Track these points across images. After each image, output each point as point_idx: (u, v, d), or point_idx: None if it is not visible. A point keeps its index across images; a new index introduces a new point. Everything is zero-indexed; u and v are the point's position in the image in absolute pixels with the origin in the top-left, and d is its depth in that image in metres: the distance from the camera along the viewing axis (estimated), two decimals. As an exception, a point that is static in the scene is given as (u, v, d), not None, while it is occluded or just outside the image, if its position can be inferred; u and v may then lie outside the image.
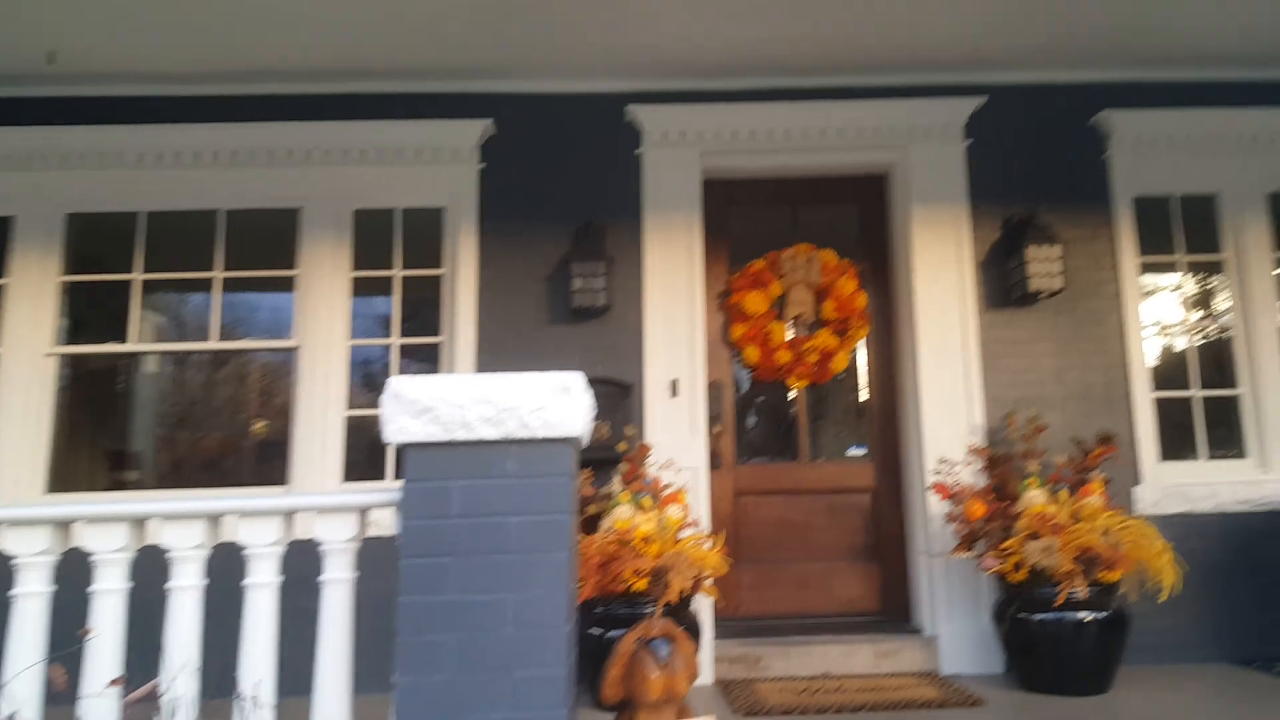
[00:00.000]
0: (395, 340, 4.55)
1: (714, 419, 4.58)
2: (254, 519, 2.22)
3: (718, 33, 4.12)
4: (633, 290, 4.43)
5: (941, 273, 4.42)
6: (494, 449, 2.16)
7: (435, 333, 4.52)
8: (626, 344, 4.41)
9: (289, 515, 2.26)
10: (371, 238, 4.58)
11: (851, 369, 4.71)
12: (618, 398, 4.32)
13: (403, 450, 2.15)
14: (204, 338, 4.62)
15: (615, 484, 3.99)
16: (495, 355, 4.38)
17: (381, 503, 2.22)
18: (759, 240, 4.73)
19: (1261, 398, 4.42)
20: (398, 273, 4.57)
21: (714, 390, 4.60)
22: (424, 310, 4.63)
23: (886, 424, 4.65)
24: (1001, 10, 4.00)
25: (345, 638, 2.21)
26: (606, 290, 4.27)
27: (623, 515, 3.88)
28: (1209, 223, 4.64)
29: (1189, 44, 4.29)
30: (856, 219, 4.77)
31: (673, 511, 3.97)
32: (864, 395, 4.72)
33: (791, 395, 4.72)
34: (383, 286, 4.59)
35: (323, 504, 2.23)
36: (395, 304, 4.58)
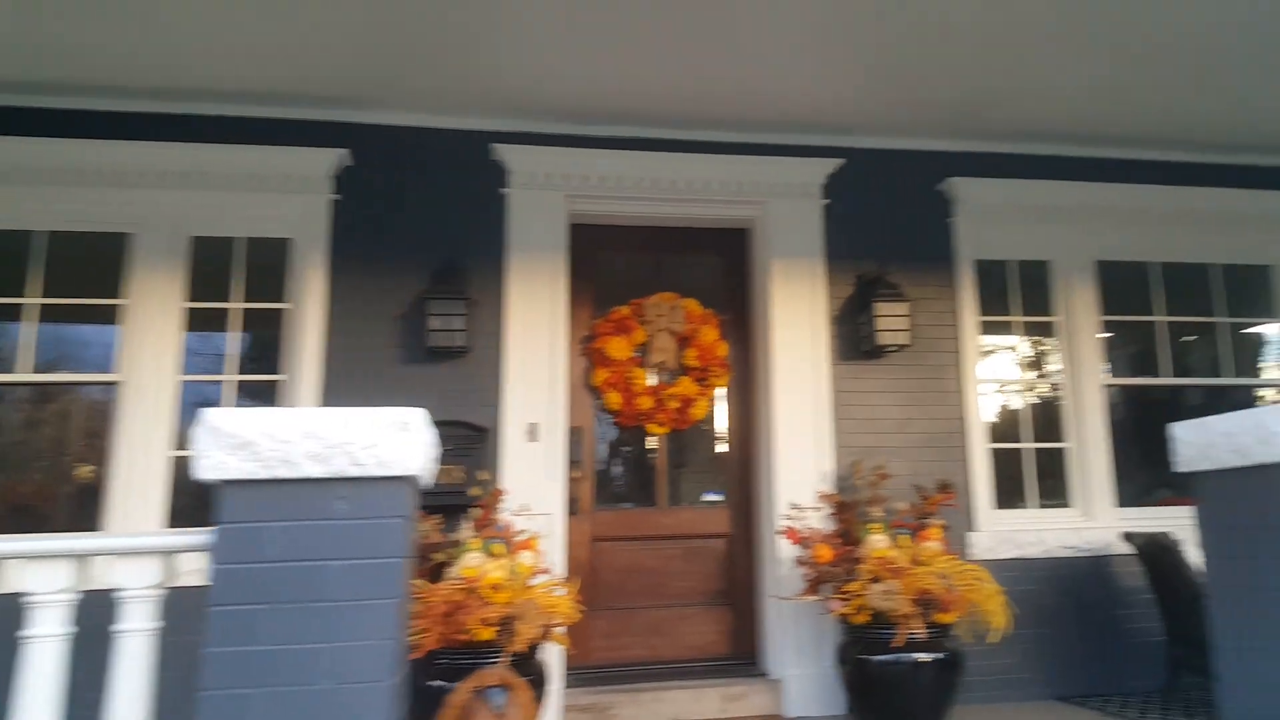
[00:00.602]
0: (232, 378, 4.29)
1: (574, 464, 4.52)
2: (40, 563, 2.00)
3: (584, 79, 4.16)
4: (493, 332, 4.34)
5: (798, 325, 4.55)
6: (320, 488, 2.03)
7: (278, 371, 4.29)
8: (485, 387, 4.31)
9: (83, 559, 2.04)
10: (212, 268, 4.33)
11: (711, 416, 4.76)
12: (473, 441, 4.20)
13: (217, 489, 1.99)
14: (20, 369, 4.22)
15: (465, 530, 3.85)
16: (342, 396, 4.19)
17: (190, 546, 2.04)
18: (624, 286, 4.76)
19: (1086, 452, 4.74)
20: (237, 305, 4.33)
21: (575, 435, 4.55)
22: (270, 348, 4.40)
23: (743, 470, 4.71)
24: (857, 79, 4.22)
25: (142, 696, 2.00)
26: (465, 331, 4.18)
27: (471, 562, 3.74)
28: (1043, 287, 4.98)
29: (1026, 121, 4.65)
30: (720, 270, 4.87)
31: (525, 558, 3.86)
32: (723, 442, 4.77)
33: (652, 442, 4.72)
34: (222, 321, 4.33)
35: (120, 546, 2.02)
36: (233, 339, 4.33)
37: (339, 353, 4.22)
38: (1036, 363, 5.11)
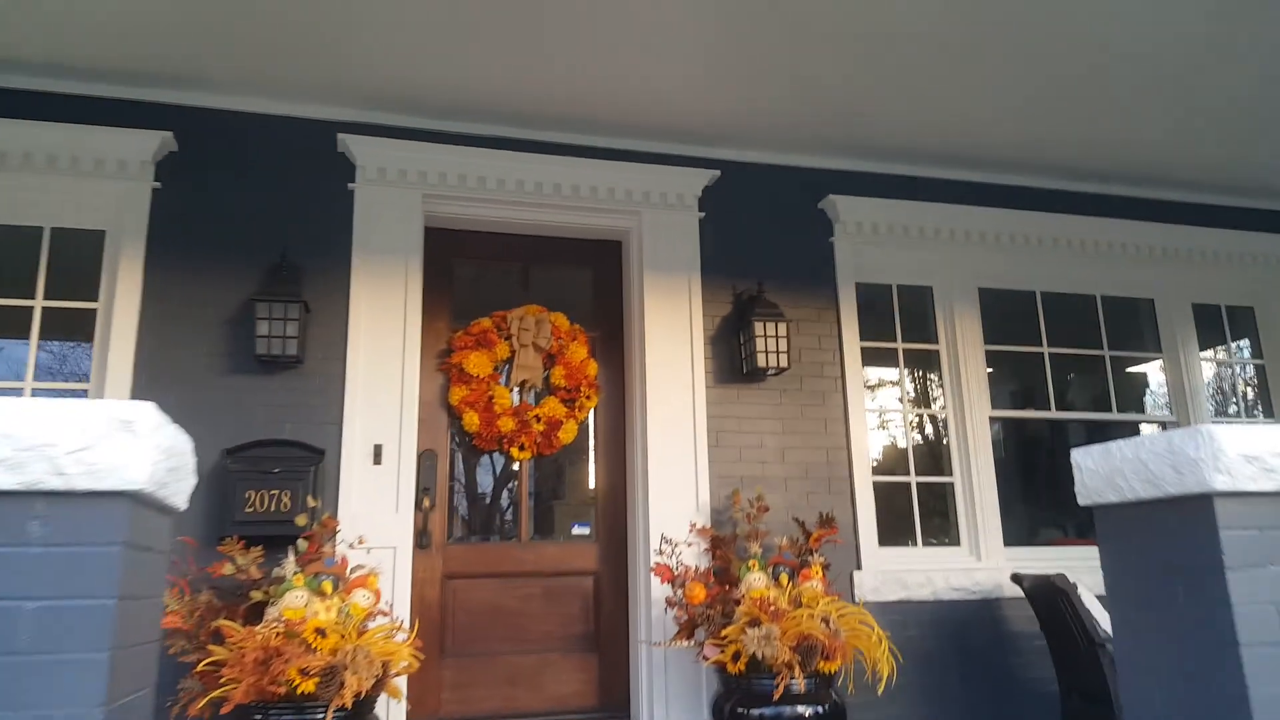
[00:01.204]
0: (27, 385, 3.69)
1: (424, 492, 4.06)
2: None
3: (446, 70, 3.80)
4: (335, 341, 3.88)
5: (673, 344, 4.25)
6: (10, 504, 1.56)
7: (87, 379, 3.72)
8: (324, 403, 3.83)
9: None
10: (12, 263, 3.74)
11: (581, 441, 4.38)
12: (308, 463, 3.70)
13: None
14: None
15: (288, 565, 3.35)
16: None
17: None
18: (486, 297, 4.37)
19: (973, 488, 4.55)
20: (38, 304, 3.75)
21: (426, 459, 4.10)
22: (80, 354, 3.82)
23: (613, 501, 4.34)
24: (736, 88, 4.00)
25: None
26: (299, 339, 3.70)
27: (294, 603, 3.24)
28: (926, 313, 4.83)
29: (908, 140, 4.51)
30: (591, 284, 4.53)
31: (360, 598, 3.38)
32: (592, 470, 4.40)
33: (514, 468, 4.31)
34: (24, 323, 3.75)
35: None
36: (33, 344, 3.74)
37: (155, 359, 3.68)
38: (921, 392, 4.95)
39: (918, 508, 4.57)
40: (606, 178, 4.27)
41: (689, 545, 3.99)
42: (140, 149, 3.75)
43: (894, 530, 4.53)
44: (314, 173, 3.99)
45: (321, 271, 3.92)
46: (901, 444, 4.70)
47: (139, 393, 3.64)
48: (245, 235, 3.87)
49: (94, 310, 3.76)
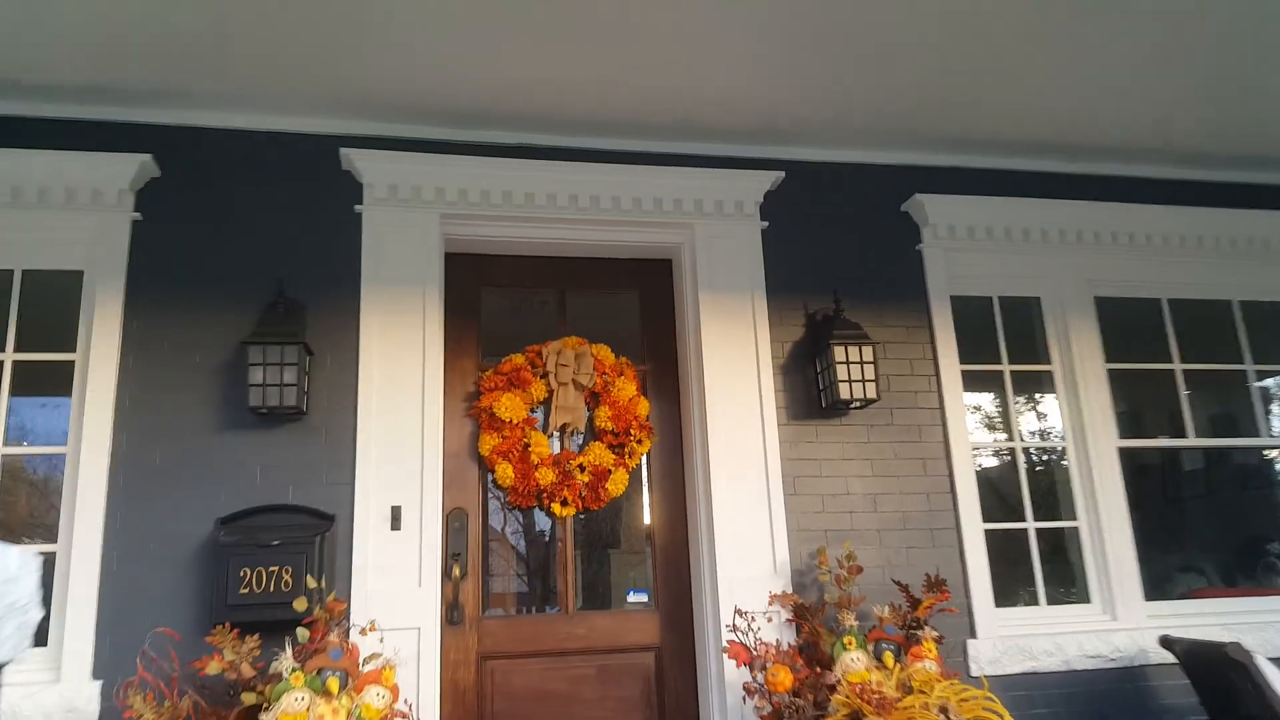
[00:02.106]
0: (-2, 450, 3.23)
1: (454, 558, 3.47)
2: None
3: (463, 71, 3.27)
4: (344, 388, 3.34)
5: (737, 376, 3.61)
6: None
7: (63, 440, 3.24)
8: (332, 459, 3.28)
9: None
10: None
11: (633, 492, 3.76)
12: (314, 532, 3.14)
13: None
14: None
15: (285, 661, 2.77)
16: (140, 471, 3.14)
17: None
18: (518, 330, 3.81)
19: (1103, 532, 3.79)
20: (8, 357, 3.29)
21: (454, 520, 3.51)
22: (60, 412, 3.35)
23: (674, 562, 3.69)
24: (802, 75, 3.39)
25: None
26: (298, 387, 3.16)
27: (293, 707, 2.69)
28: (1034, 329, 4.11)
29: (1008, 128, 3.84)
30: (637, 309, 3.92)
31: (373, 698, 2.80)
32: (648, 526, 3.76)
33: (557, 526, 3.70)
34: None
35: None
36: (2, 402, 3.27)
37: (137, 416, 3.19)
38: (1036, 421, 4.21)
39: (1038, 559, 3.83)
40: (653, 186, 3.67)
41: (768, 618, 3.33)
42: (116, 175, 3.28)
43: (1010, 586, 3.79)
44: (315, 195, 3.48)
45: (327, 308, 3.39)
46: (1015, 483, 3.96)
47: (120, 455, 3.14)
48: (238, 269, 3.36)
49: (72, 362, 3.28)
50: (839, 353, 3.46)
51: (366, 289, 3.42)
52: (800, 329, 3.71)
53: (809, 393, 3.65)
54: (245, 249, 3.39)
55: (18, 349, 3.31)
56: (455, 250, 3.70)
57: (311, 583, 2.88)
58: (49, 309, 3.36)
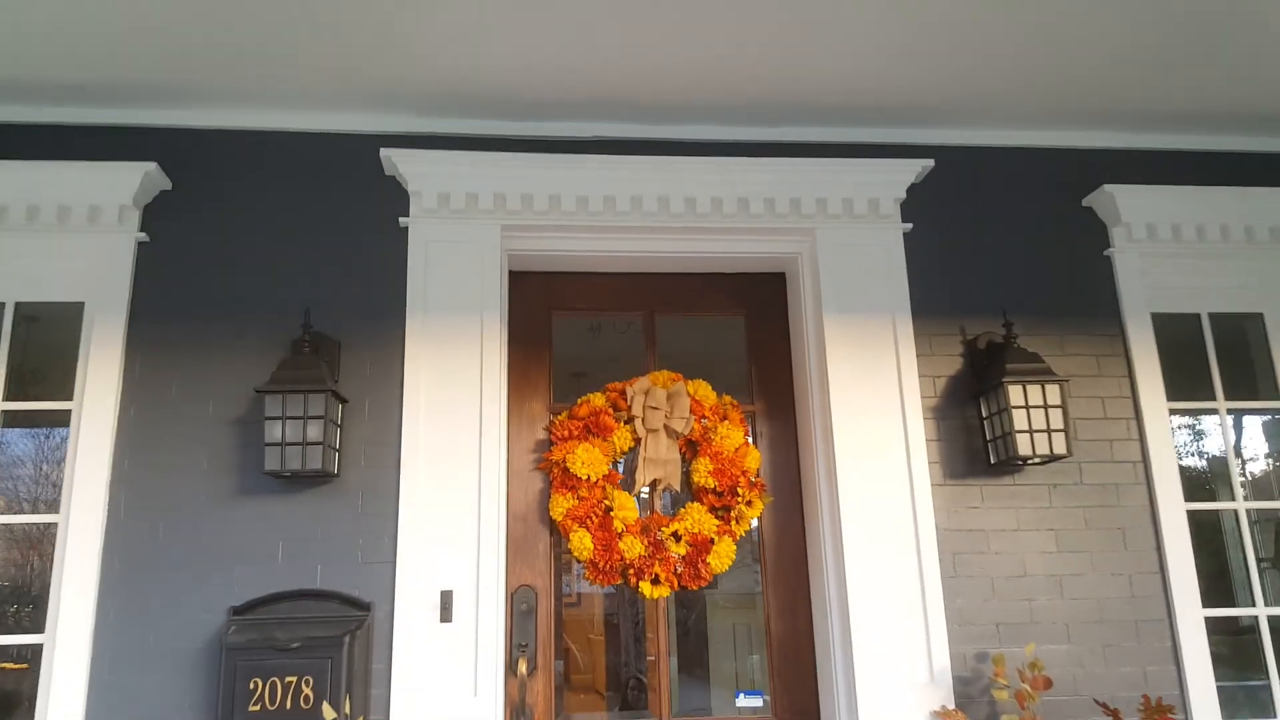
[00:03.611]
0: (-18, 517, 2.71)
1: (520, 649, 2.79)
2: None
3: (526, 52, 2.59)
4: (385, 442, 2.70)
5: (875, 421, 2.82)
6: None
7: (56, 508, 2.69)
8: (369, 532, 2.64)
9: None
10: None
11: (742, 565, 3.00)
12: (341, 629, 2.50)
13: None
14: None
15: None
16: (140, 548, 2.57)
17: None
18: (596, 364, 3.11)
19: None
20: (-4, 406, 2.77)
21: (520, 601, 2.84)
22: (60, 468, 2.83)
23: (795, 660, 2.92)
24: (948, 39, 2.59)
25: None
26: (324, 444, 2.53)
27: None
28: (1252, 353, 3.20)
29: (1223, 99, 2.95)
30: (743, 338, 3.17)
31: None
32: (760, 609, 3.00)
33: (649, 608, 2.98)
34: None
35: None
36: (-6, 457, 2.76)
37: (135, 475, 2.62)
38: (1260, 474, 3.28)
39: (1273, 659, 2.91)
40: (763, 182, 2.92)
41: (922, 737, 2.54)
42: (118, 189, 2.72)
43: (1232, 693, 2.89)
44: (350, 206, 2.86)
45: (364, 344, 2.76)
46: (1235, 557, 3.05)
47: (115, 527, 2.57)
48: (260, 298, 2.76)
49: (69, 412, 2.74)
50: (1014, 394, 2.64)
51: (412, 319, 2.77)
52: (957, 360, 2.90)
53: (970, 443, 2.83)
54: (268, 274, 2.78)
55: (8, 396, 2.78)
56: (520, 269, 3.03)
57: (329, 712, 2.22)
58: (48, 348, 2.84)
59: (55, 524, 2.64)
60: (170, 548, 2.58)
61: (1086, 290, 3.01)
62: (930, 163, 2.96)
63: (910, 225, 2.98)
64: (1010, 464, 2.73)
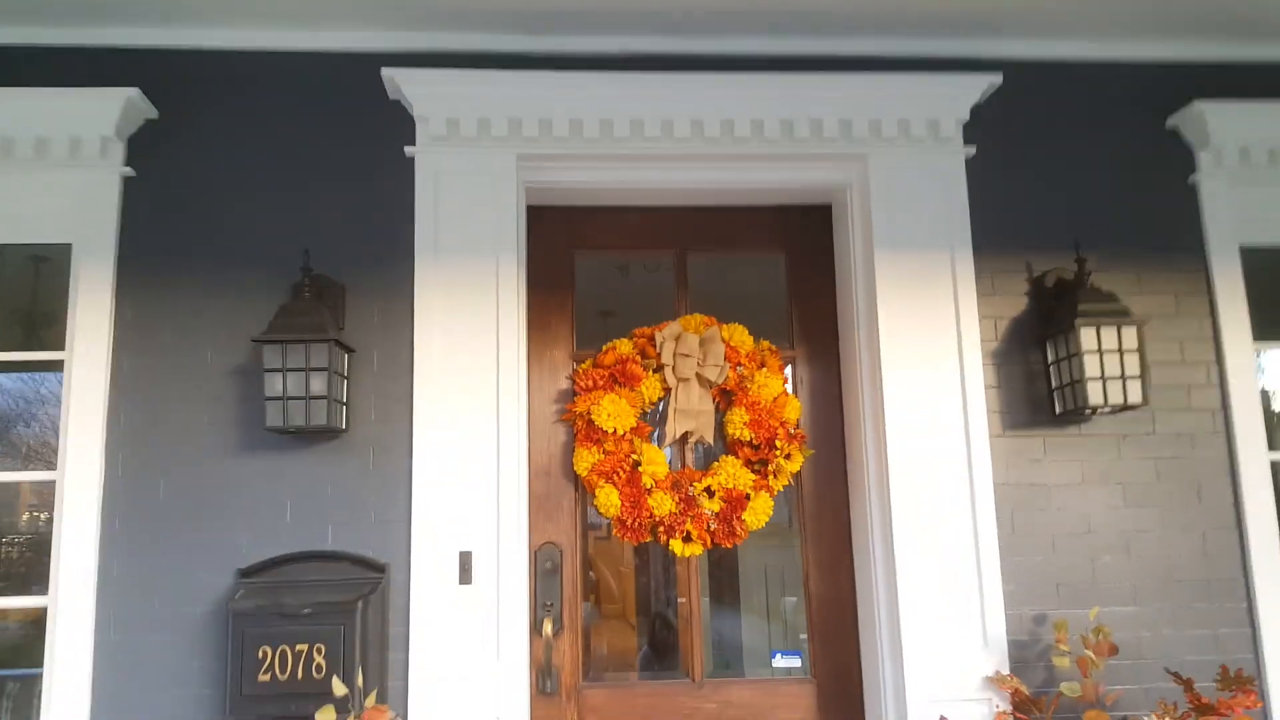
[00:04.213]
0: (-25, 472, 2.56)
1: (545, 609, 2.64)
2: None
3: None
4: (395, 395, 2.50)
5: (929, 366, 2.58)
6: None
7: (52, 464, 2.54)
8: (381, 490, 2.47)
9: None
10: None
11: (778, 521, 2.81)
12: (354, 592, 2.35)
13: None
14: None
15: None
16: (140, 508, 2.42)
17: None
18: (623, 307, 2.88)
19: None
20: (-15, 357, 2.60)
21: (544, 559, 2.68)
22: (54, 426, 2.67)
23: (837, 620, 2.75)
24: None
25: None
26: (330, 398, 2.33)
27: None
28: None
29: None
30: (784, 276, 2.91)
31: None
32: (799, 567, 2.82)
33: (680, 566, 2.81)
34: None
35: None
36: (-13, 409, 2.60)
37: (130, 432, 2.45)
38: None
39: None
40: (809, 101, 2.61)
41: (973, 701, 2.38)
42: (98, 117, 2.48)
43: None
44: (354, 134, 2.60)
45: (370, 288, 2.54)
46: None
47: (113, 485, 2.41)
48: (258, 240, 2.54)
49: (62, 362, 2.56)
50: (1087, 337, 2.38)
51: (422, 260, 2.54)
52: (1022, 300, 2.63)
53: (1033, 391, 2.59)
54: (265, 210, 2.56)
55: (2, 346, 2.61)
56: (538, 203, 2.77)
57: (339, 688, 2.08)
58: (37, 293, 2.65)
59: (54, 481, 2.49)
60: (172, 508, 2.42)
61: (1168, 222, 2.71)
62: (998, 78, 2.63)
63: (973, 149, 2.67)
64: (1077, 413, 2.49)
